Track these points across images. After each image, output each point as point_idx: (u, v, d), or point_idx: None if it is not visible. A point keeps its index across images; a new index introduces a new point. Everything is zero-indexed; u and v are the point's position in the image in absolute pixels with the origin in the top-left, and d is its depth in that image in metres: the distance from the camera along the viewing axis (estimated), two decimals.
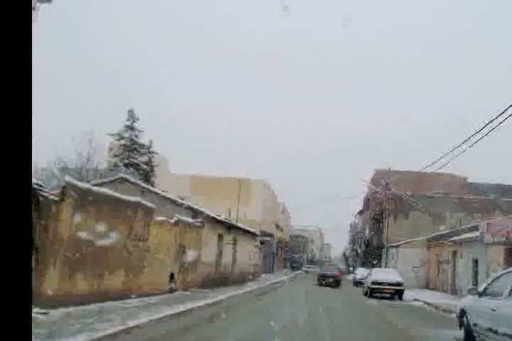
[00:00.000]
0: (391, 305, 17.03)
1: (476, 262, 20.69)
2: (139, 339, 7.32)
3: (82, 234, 9.12)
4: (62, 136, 57.52)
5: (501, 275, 7.83)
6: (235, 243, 21.95)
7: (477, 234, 20.06)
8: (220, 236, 19.57)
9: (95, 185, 12.89)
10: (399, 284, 20.36)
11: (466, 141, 14.54)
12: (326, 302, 15.92)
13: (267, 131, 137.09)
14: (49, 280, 8.31)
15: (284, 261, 63.06)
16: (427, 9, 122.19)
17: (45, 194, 8.37)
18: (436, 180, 38.75)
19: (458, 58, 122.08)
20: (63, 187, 8.64)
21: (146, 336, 7.46)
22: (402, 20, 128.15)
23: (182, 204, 16.78)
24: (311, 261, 79.95)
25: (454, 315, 10.76)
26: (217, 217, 18.93)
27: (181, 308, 10.46)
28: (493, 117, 12.01)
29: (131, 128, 32.88)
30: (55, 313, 7.89)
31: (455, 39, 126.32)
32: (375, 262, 40.84)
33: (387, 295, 20.33)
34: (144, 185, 17.72)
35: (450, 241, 24.88)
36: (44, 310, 7.64)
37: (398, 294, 20.24)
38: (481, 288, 8.26)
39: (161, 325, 8.44)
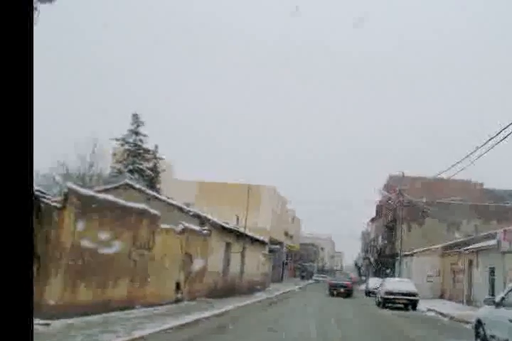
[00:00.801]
0: (405, 316, 16.57)
1: (492, 271, 20.12)
2: None
3: (85, 242, 8.97)
4: (64, 141, 56.78)
5: None
6: (243, 251, 21.64)
7: (494, 242, 19.57)
8: (228, 245, 19.30)
9: (99, 191, 12.77)
10: (413, 294, 19.89)
11: (482, 146, 14.18)
12: (337, 314, 15.46)
13: (276, 136, 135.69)
14: (51, 290, 8.16)
15: (294, 270, 62.31)
16: (440, 9, 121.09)
17: (47, 201, 8.26)
18: (452, 186, 38.00)
19: (473, 60, 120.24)
20: (65, 194, 8.52)
21: None
22: (414, 20, 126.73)
23: (188, 211, 16.55)
24: (322, 270, 78.88)
25: (469, 326, 10.44)
26: (225, 225, 18.68)
27: (187, 319, 10.25)
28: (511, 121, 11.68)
29: (136, 132, 32.19)
30: (57, 324, 7.78)
31: (470, 40, 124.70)
32: (388, 271, 40.11)
33: (401, 306, 19.84)
34: (149, 191, 17.46)
35: (466, 250, 24.27)
36: (45, 321, 7.54)
37: (412, 304, 19.78)
38: (497, 298, 8.00)
39: (167, 336, 8.25)
